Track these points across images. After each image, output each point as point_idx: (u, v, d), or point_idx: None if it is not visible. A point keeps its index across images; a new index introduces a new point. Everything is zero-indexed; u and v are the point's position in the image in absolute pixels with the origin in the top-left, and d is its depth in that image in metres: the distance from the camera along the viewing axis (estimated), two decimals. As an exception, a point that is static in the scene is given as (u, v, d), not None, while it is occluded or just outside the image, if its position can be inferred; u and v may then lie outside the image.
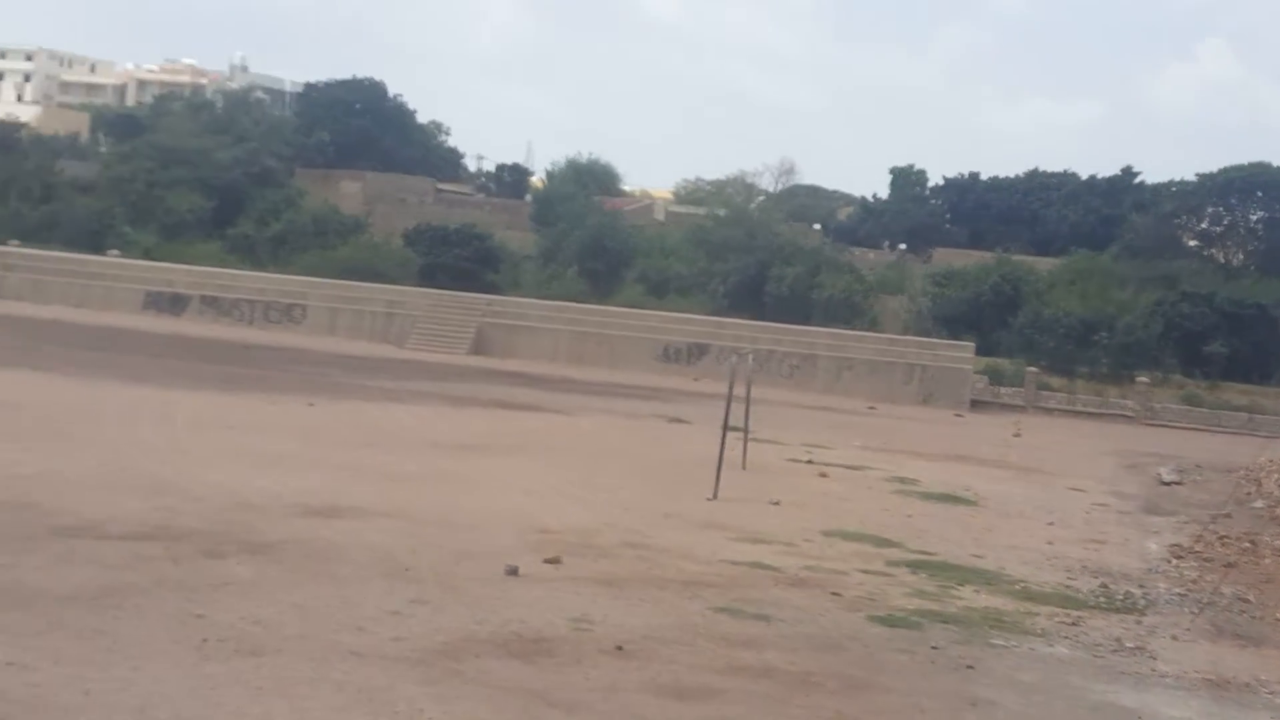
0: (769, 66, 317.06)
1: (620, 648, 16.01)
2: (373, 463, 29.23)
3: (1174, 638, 19.81)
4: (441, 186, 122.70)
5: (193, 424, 33.44)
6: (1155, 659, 18.28)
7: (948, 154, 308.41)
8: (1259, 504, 36.66)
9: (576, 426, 42.88)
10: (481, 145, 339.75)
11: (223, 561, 18.59)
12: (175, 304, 76.75)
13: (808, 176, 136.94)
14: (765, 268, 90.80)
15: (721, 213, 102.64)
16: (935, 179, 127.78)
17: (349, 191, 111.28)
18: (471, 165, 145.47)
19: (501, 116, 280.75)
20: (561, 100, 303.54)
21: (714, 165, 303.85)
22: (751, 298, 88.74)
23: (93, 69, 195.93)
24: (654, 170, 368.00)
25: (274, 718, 12.66)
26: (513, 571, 19.29)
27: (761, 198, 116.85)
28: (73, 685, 13.07)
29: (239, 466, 26.83)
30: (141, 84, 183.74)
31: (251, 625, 15.52)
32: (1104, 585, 23.23)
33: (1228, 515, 34.24)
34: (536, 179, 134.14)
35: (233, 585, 17.31)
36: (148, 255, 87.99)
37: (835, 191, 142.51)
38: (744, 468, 32.94)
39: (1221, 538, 29.56)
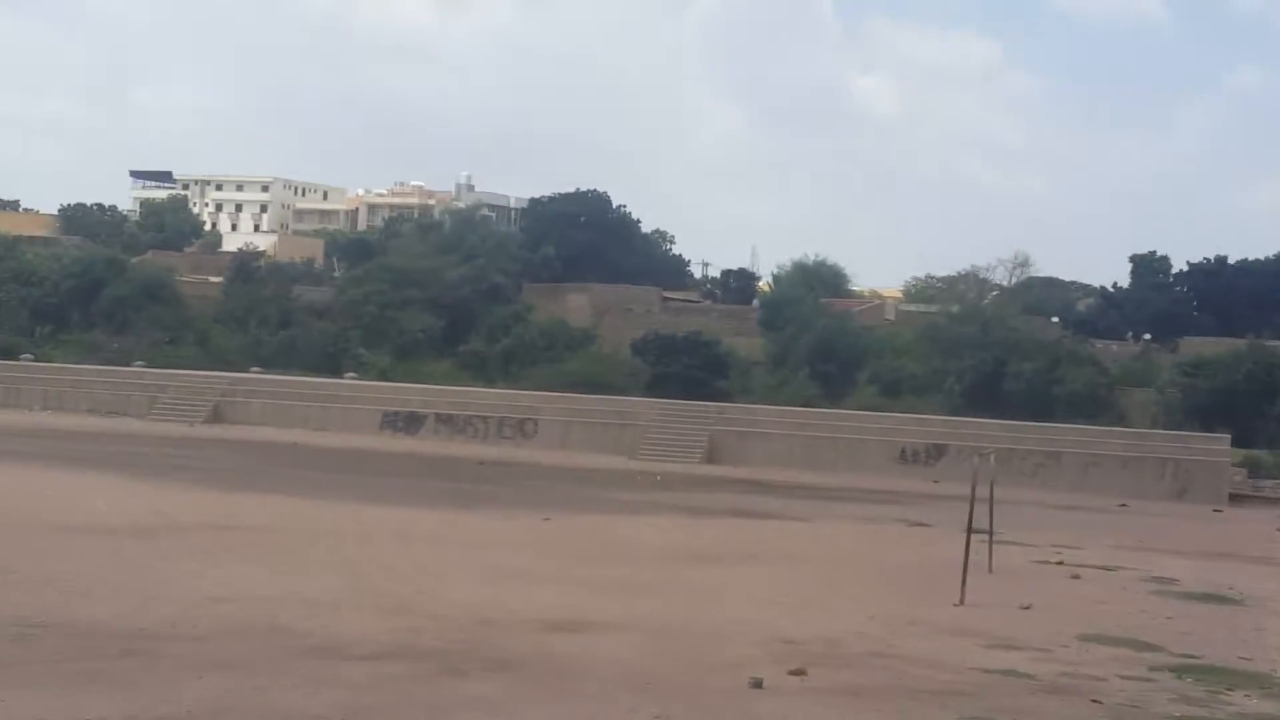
0: (998, 158, 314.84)
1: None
2: (611, 576, 29.21)
3: None
4: (668, 295, 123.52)
5: (431, 542, 33.85)
6: None
7: (1191, 238, 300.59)
8: None
9: (815, 533, 42.48)
10: (706, 252, 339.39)
11: (466, 679, 18.61)
12: (411, 423, 78.09)
13: (1043, 268, 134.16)
14: (1002, 364, 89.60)
15: (954, 309, 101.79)
16: (1179, 265, 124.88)
17: (576, 304, 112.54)
18: (697, 272, 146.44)
19: (725, 222, 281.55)
20: (785, 202, 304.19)
21: (944, 261, 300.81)
22: (989, 395, 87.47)
23: (325, 196, 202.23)
24: (882, 269, 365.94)
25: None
26: (757, 684, 18.98)
27: (995, 292, 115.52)
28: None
29: (478, 583, 27.02)
30: (372, 208, 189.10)
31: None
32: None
33: None
34: (763, 283, 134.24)
35: (477, 704, 17.33)
36: (383, 376, 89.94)
37: (1073, 282, 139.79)
38: (990, 571, 32.20)
39: None
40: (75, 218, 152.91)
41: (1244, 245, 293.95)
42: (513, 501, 46.52)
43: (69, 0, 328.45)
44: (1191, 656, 23.61)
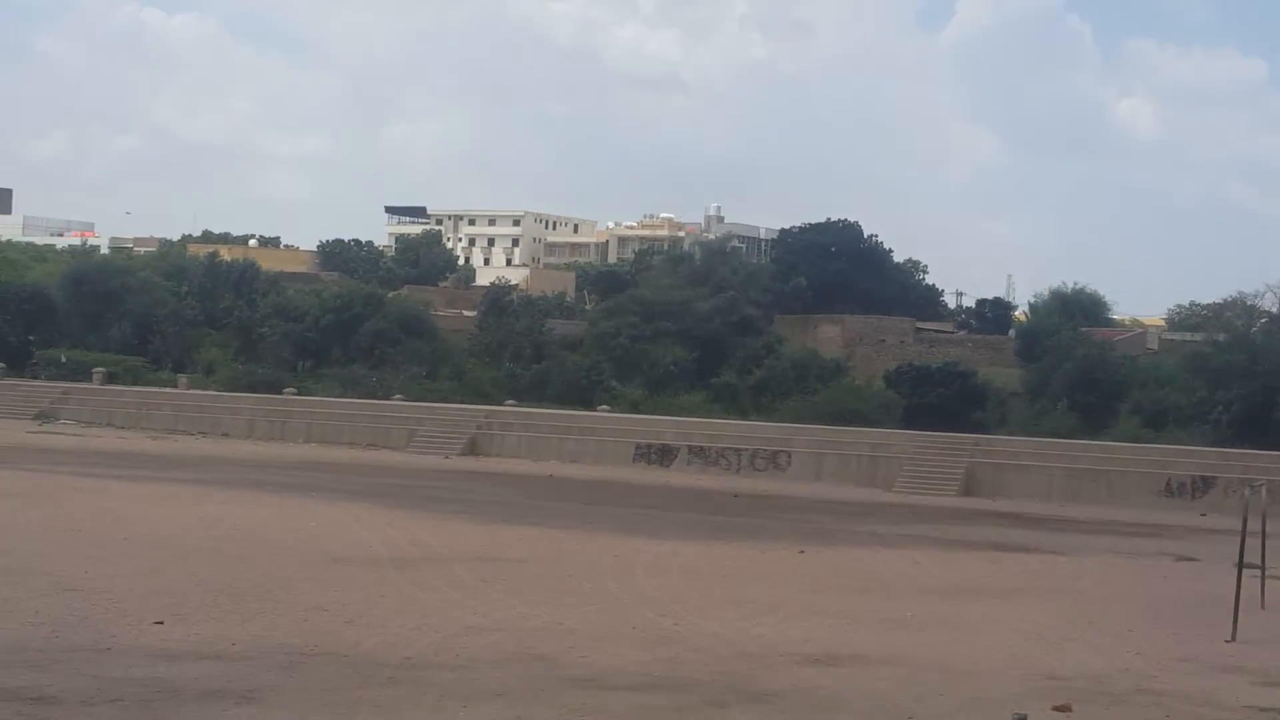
0: (1265, 180, 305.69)
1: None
2: (868, 609, 29.29)
3: None
4: (921, 325, 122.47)
5: (687, 574, 34.25)
6: None
7: None
8: None
9: (1077, 567, 41.92)
10: (960, 281, 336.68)
11: (725, 711, 18.96)
12: (664, 455, 78.83)
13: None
14: (1273, 393, 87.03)
15: (1221, 338, 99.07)
16: None
17: (828, 335, 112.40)
18: (951, 302, 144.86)
19: (980, 250, 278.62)
20: (1041, 229, 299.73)
21: (1208, 288, 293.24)
22: (1258, 426, 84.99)
23: (575, 229, 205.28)
24: (1143, 296, 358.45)
25: None
26: None
27: (1264, 320, 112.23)
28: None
29: (736, 615, 27.32)
30: (622, 241, 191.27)
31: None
32: None
33: None
34: (1019, 313, 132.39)
35: None
36: (635, 408, 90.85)
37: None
38: (1263, 607, 31.54)
39: None
40: (334, 254, 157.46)
41: None
42: (767, 534, 46.76)
43: (325, 41, 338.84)
44: None
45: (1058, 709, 20.00)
